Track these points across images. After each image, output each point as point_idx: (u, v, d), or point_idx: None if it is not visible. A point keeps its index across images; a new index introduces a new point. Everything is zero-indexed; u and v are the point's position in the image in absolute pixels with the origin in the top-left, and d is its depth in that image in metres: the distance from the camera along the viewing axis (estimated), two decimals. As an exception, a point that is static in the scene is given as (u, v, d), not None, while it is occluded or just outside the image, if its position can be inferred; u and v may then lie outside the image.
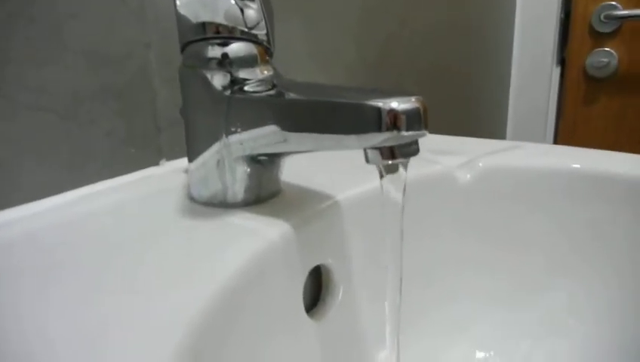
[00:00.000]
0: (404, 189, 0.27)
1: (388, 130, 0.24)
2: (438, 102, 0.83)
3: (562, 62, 1.17)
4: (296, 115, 0.27)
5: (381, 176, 0.26)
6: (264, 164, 0.31)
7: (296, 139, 0.27)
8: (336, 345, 0.33)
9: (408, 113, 0.25)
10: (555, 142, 1.23)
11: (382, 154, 0.25)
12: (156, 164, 0.39)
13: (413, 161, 0.43)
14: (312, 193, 0.35)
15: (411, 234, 0.39)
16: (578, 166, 0.37)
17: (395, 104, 0.24)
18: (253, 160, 0.31)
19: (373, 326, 0.35)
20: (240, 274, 0.25)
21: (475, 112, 1.02)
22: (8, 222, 0.30)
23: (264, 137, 0.28)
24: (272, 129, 0.28)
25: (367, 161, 0.26)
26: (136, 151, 0.37)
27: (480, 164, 0.42)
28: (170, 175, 0.38)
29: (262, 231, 0.29)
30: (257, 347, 0.27)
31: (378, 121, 0.24)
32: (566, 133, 1.20)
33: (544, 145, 0.48)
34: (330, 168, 0.40)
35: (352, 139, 0.25)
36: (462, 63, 0.92)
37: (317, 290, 0.35)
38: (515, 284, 0.40)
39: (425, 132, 0.25)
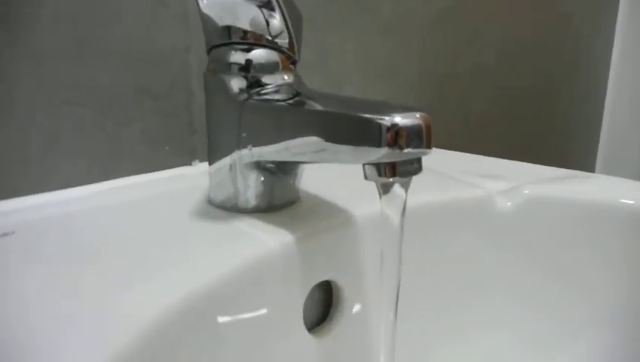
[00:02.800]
0: (404, 210, 0.25)
1: (387, 145, 0.23)
2: (510, 125, 0.79)
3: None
4: (296, 124, 0.26)
5: (380, 196, 0.25)
6: (275, 171, 0.31)
7: (295, 149, 0.26)
8: (337, 365, 0.32)
9: (409, 129, 0.23)
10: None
11: (379, 171, 0.24)
12: (189, 164, 0.40)
13: (452, 182, 0.41)
14: (329, 206, 0.34)
15: (436, 259, 0.37)
16: (631, 202, 0.33)
17: (397, 119, 0.23)
18: (265, 167, 0.30)
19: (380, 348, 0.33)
20: (223, 280, 0.25)
21: (559, 139, 0.95)
22: (32, 207, 0.32)
23: (267, 144, 0.28)
24: (273, 136, 0.27)
25: (365, 177, 0.25)
26: (169, 151, 0.38)
27: (525, 192, 0.39)
28: (199, 176, 0.38)
29: (262, 239, 0.28)
30: (242, 357, 0.26)
31: (378, 135, 0.23)
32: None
33: (609, 177, 0.43)
34: (359, 182, 0.38)
35: (348, 152, 0.24)
36: (546, 82, 0.86)
37: (328, 307, 0.34)
38: (540, 333, 0.36)
39: (427, 150, 0.23)
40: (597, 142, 1.10)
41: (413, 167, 0.24)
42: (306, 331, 0.31)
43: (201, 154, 0.40)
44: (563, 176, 0.43)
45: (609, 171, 1.10)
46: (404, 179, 0.24)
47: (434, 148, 0.53)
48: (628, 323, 0.34)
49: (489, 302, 0.37)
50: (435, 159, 0.48)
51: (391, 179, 0.24)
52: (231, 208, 0.32)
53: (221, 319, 0.25)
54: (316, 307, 0.33)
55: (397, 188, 0.25)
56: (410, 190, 0.27)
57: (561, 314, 0.36)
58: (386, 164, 0.24)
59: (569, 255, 0.36)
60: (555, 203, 0.37)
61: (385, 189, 0.25)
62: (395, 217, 0.25)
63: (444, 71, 0.65)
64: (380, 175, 0.24)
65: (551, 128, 0.91)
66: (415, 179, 0.29)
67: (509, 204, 0.38)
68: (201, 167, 0.40)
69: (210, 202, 0.33)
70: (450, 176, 0.42)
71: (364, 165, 0.24)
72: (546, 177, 0.42)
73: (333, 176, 0.39)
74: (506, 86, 0.76)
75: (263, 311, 0.28)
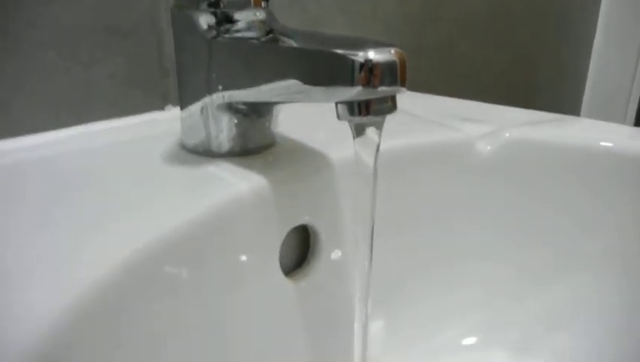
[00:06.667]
0: (378, 151, 0.24)
1: (360, 83, 0.22)
2: (497, 70, 0.77)
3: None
4: (268, 63, 0.25)
5: (353, 136, 0.24)
6: (248, 113, 0.30)
7: (267, 89, 0.25)
8: (314, 308, 0.32)
9: (383, 66, 0.22)
10: (637, 124, 1.11)
11: (352, 110, 0.23)
12: (162, 108, 0.38)
13: (432, 126, 0.40)
14: (307, 149, 0.33)
15: (416, 201, 0.37)
16: (611, 145, 0.33)
17: (371, 54, 0.22)
18: (237, 109, 0.29)
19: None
20: (195, 223, 0.24)
21: (546, 83, 0.94)
22: (2, 152, 0.31)
23: (239, 85, 0.27)
24: (244, 76, 0.26)
25: (338, 116, 0.24)
26: (140, 95, 0.37)
27: (506, 135, 0.38)
28: (173, 121, 0.37)
29: (235, 183, 0.28)
30: (216, 301, 0.26)
31: (350, 73, 0.22)
32: (650, 114, 1.08)
33: (591, 121, 0.43)
34: (338, 123, 0.37)
35: (319, 91, 0.23)
36: (533, 26, 0.84)
37: (306, 253, 0.34)
38: (521, 273, 0.36)
39: (401, 88, 0.23)
40: (583, 87, 1.10)
41: (387, 106, 0.23)
42: (282, 275, 0.31)
43: (175, 98, 0.39)
44: (545, 119, 0.42)
45: (594, 115, 1.10)
46: (378, 119, 0.23)
47: (415, 92, 0.52)
48: (609, 258, 0.34)
49: (469, 239, 0.38)
50: (416, 103, 0.47)
51: (364, 119, 0.24)
52: (204, 152, 0.31)
53: (192, 262, 0.25)
54: (293, 252, 0.33)
55: (371, 129, 0.24)
56: (389, 133, 0.26)
57: (540, 253, 0.36)
58: (359, 102, 0.23)
59: (549, 197, 0.35)
60: (535, 146, 0.36)
61: (358, 130, 0.24)
62: (368, 159, 0.24)
63: (429, 14, 0.63)
64: (352, 114, 0.23)
65: (538, 73, 0.90)
66: (394, 121, 0.28)
67: (489, 147, 0.38)
68: (174, 112, 0.39)
69: (183, 147, 0.32)
70: (431, 119, 0.41)
71: (336, 104, 0.24)
72: (528, 121, 0.41)
73: (312, 118, 0.38)
74: (493, 30, 0.74)
75: (237, 255, 0.27)
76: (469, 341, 0.37)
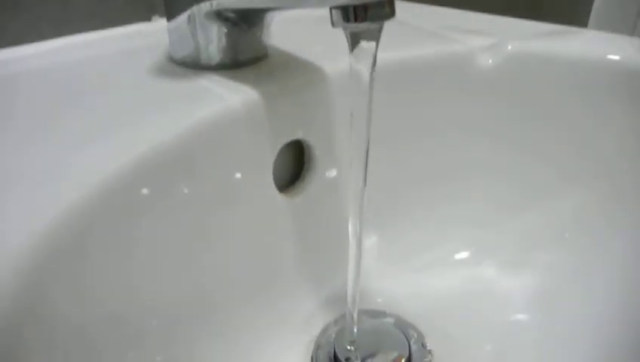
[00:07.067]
0: (374, 62, 0.23)
1: (356, -15, 0.21)
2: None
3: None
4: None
5: (349, 46, 0.23)
6: (237, 22, 0.28)
7: (256, -7, 0.24)
8: (309, 224, 0.32)
9: (380, -34, 0.20)
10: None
11: (347, 15, 0.22)
12: (148, 19, 0.36)
13: (431, 38, 0.38)
14: (301, 62, 0.32)
15: (414, 115, 0.36)
16: (617, 57, 0.32)
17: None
18: (227, 17, 0.28)
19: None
20: (185, 138, 0.24)
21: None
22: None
23: (226, -11, 0.25)
24: (232, -21, 0.24)
25: (332, 23, 0.22)
26: (125, 5, 0.35)
27: (509, 48, 0.37)
28: (159, 32, 0.35)
29: (226, 96, 0.27)
30: (210, 216, 0.26)
31: (345, -27, 0.21)
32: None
33: (597, 33, 0.41)
34: (333, 36, 0.36)
35: (312, -6, 0.22)
36: None
37: (301, 169, 0.33)
38: (517, 190, 0.36)
39: (400, -8, 0.21)
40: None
41: (384, 11, 0.22)
42: (276, 191, 0.30)
43: (161, 8, 0.37)
44: (550, 31, 0.40)
45: (602, 28, 1.06)
46: (374, 25, 0.22)
47: (415, 3, 0.50)
48: (613, 174, 0.33)
49: (466, 155, 0.37)
50: (415, 13, 0.45)
51: (360, 25, 0.22)
52: (193, 65, 0.30)
53: (184, 177, 0.24)
54: (288, 168, 0.33)
55: (367, 39, 0.23)
56: (386, 44, 0.24)
57: (540, 169, 0.36)
58: (354, 7, 0.22)
59: (551, 112, 0.35)
60: (539, 59, 0.35)
61: (354, 39, 0.22)
62: (364, 71, 0.23)
63: None
64: (347, 20, 0.22)
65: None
66: (392, 33, 0.26)
67: (490, 61, 0.36)
68: (161, 23, 0.37)
69: (171, 59, 0.31)
70: (431, 31, 0.39)
71: (330, 9, 0.22)
72: (532, 33, 0.39)
73: (306, 29, 0.36)
74: None
75: (230, 170, 0.27)
76: (462, 255, 0.38)
